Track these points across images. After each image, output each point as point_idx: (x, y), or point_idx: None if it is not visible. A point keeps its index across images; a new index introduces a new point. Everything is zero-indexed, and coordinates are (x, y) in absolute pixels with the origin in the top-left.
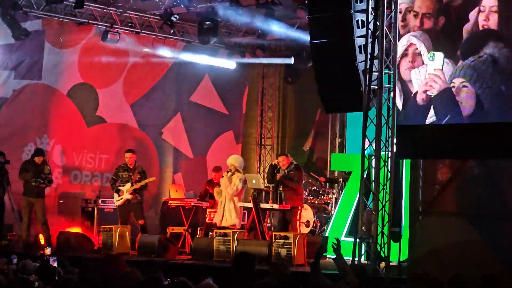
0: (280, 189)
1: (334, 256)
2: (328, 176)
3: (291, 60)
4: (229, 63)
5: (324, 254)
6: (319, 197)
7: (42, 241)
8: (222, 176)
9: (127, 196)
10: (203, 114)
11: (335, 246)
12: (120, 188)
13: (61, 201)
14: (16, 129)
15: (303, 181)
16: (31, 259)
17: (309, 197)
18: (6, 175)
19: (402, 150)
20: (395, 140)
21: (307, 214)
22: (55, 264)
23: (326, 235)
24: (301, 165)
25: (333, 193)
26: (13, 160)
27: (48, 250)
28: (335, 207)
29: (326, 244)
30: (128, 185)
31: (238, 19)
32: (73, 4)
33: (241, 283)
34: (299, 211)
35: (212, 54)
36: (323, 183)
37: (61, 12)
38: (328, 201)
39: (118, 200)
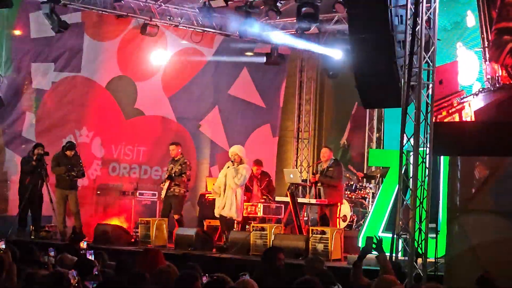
0: (319, 184)
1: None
2: (365, 171)
3: (332, 54)
4: (265, 57)
5: (368, 253)
6: (356, 192)
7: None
8: (228, 167)
9: (165, 187)
10: (240, 107)
11: (375, 245)
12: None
13: (98, 192)
14: (55, 121)
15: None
16: (68, 252)
17: (346, 192)
18: (45, 167)
19: (440, 147)
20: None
21: (344, 208)
22: (92, 258)
23: (366, 234)
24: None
25: (370, 188)
26: (52, 152)
27: (84, 244)
28: (372, 202)
29: (371, 244)
30: (168, 176)
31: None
32: None
33: (271, 277)
34: (338, 208)
35: (251, 47)
36: (360, 178)
37: (100, 5)
38: (365, 195)
39: (162, 192)
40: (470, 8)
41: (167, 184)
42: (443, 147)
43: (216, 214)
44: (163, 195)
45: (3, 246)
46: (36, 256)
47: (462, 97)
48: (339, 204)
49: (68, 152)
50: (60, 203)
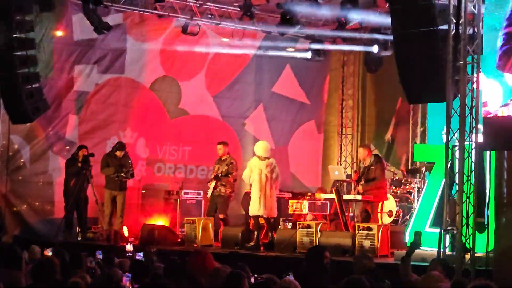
0: (360, 190)
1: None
2: (410, 166)
3: (374, 48)
4: (307, 53)
5: (417, 249)
6: (401, 187)
7: (126, 233)
8: (263, 160)
9: (211, 187)
10: (284, 104)
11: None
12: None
13: (143, 191)
14: (99, 122)
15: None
16: (115, 254)
17: (391, 187)
18: (90, 168)
19: (487, 141)
20: (480, 131)
21: (389, 204)
22: (142, 259)
23: (413, 229)
24: (382, 155)
25: (415, 183)
26: (97, 154)
27: (129, 246)
28: (417, 197)
29: (420, 240)
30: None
31: (318, 9)
32: None
33: (315, 276)
34: (380, 204)
35: (293, 44)
36: (405, 173)
37: (142, 6)
38: (411, 190)
39: (208, 191)
40: None
41: (213, 183)
42: (489, 142)
43: (250, 213)
44: (209, 194)
45: (50, 254)
46: (83, 263)
47: None
48: (381, 201)
49: (118, 153)
50: (108, 203)
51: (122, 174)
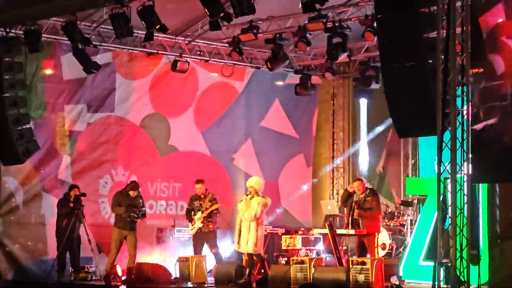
0: (355, 215)
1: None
2: (402, 198)
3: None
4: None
5: None
6: (394, 219)
7: (120, 272)
8: (241, 200)
9: (198, 224)
10: (273, 138)
11: None
12: (193, 217)
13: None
14: (91, 162)
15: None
16: None
17: (384, 219)
18: (81, 208)
19: (478, 173)
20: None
21: (382, 236)
22: None
23: (407, 262)
24: (374, 187)
25: (408, 215)
26: (89, 193)
27: None
28: (410, 229)
29: None
30: (199, 213)
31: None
32: (143, 36)
33: None
34: (376, 237)
35: (281, 78)
36: (397, 206)
37: (131, 44)
38: (404, 222)
39: (191, 229)
40: None
41: (200, 220)
42: (480, 174)
43: (237, 249)
44: (193, 232)
45: None
46: None
47: None
48: (376, 234)
49: (131, 192)
50: (116, 243)
51: (133, 214)
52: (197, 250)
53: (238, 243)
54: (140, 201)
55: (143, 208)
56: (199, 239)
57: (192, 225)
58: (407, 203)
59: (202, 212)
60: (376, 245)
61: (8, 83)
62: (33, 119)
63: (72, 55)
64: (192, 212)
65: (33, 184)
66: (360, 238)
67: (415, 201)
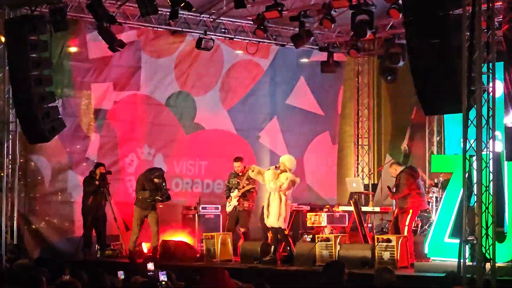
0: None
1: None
2: (427, 176)
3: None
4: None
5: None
6: None
7: (146, 250)
8: (269, 169)
9: (234, 202)
10: (299, 116)
11: None
12: (230, 195)
13: (161, 207)
14: (117, 140)
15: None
16: (139, 273)
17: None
18: (107, 186)
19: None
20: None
21: None
22: (165, 278)
23: (432, 239)
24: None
25: (433, 192)
26: (114, 171)
27: (151, 265)
28: (435, 207)
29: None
30: (236, 191)
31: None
32: (167, 13)
33: None
34: (408, 215)
35: (306, 56)
36: (429, 183)
37: (155, 22)
38: (429, 200)
39: (228, 206)
40: None
41: (236, 198)
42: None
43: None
44: (229, 209)
45: (68, 277)
46: (105, 282)
47: None
48: (410, 211)
49: (156, 180)
50: (137, 222)
51: (158, 198)
52: (231, 227)
53: (267, 217)
54: (163, 184)
55: (167, 190)
56: (232, 217)
57: (229, 202)
58: (437, 185)
59: (239, 190)
60: (407, 224)
61: (34, 61)
62: (61, 97)
63: (97, 33)
64: (230, 190)
65: (60, 162)
66: (395, 215)
67: (440, 178)
